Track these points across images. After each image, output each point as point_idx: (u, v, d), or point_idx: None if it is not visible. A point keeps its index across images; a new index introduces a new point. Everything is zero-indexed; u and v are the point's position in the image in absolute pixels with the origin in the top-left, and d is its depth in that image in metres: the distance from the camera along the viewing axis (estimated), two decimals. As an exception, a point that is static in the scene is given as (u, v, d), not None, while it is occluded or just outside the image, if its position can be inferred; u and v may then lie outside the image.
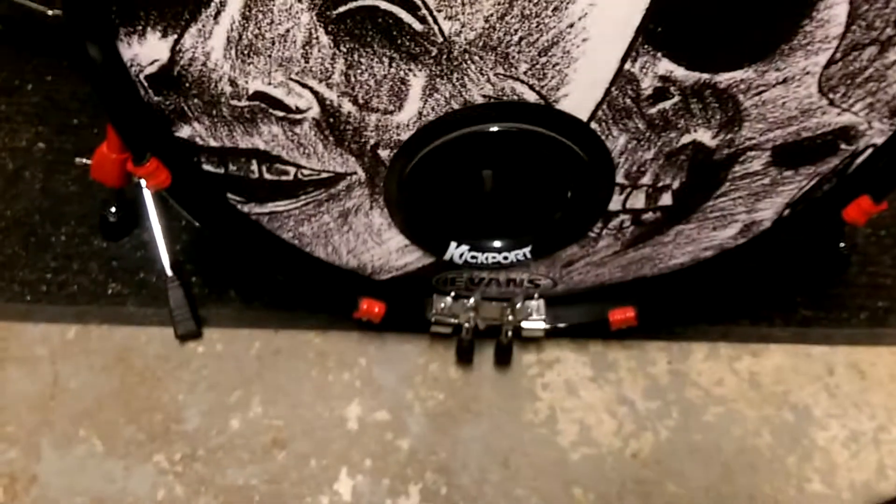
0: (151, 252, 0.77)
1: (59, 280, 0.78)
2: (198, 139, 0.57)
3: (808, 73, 0.50)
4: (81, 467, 0.69)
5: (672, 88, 0.51)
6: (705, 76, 0.50)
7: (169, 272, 0.76)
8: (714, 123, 0.53)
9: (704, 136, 0.54)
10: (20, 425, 0.71)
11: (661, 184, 0.58)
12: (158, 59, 0.51)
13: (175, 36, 0.49)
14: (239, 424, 0.72)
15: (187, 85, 0.52)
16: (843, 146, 0.56)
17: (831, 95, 0.52)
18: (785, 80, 0.50)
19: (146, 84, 0.52)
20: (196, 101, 0.53)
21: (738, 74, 0.50)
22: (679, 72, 0.50)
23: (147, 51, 0.50)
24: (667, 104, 0.52)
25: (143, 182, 0.59)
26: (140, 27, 0.49)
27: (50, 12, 0.81)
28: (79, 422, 0.71)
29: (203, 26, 0.48)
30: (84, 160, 0.70)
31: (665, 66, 0.49)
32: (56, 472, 0.69)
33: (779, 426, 0.74)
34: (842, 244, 0.80)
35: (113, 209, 0.78)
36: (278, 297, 0.77)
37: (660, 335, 0.77)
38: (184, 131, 0.56)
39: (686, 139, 0.55)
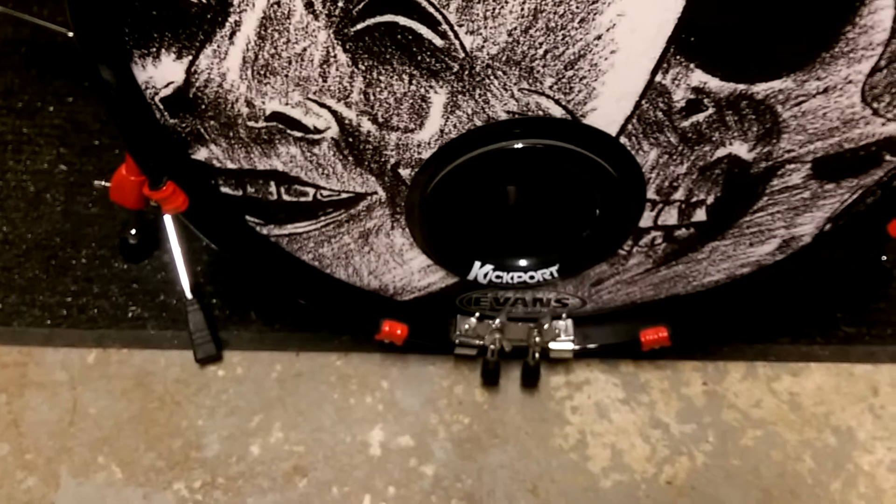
0: (172, 274, 0.76)
1: (80, 303, 0.77)
2: (215, 161, 0.56)
3: (850, 81, 0.48)
4: (100, 496, 0.68)
5: (706, 100, 0.48)
6: (741, 87, 0.48)
7: (189, 295, 0.75)
8: (751, 136, 0.51)
9: (740, 150, 0.52)
10: (39, 452, 0.70)
11: (694, 199, 0.56)
12: (173, 82, 0.50)
13: (190, 57, 0.48)
14: (259, 451, 0.71)
15: (203, 107, 0.51)
16: (888, 157, 0.53)
17: (875, 105, 0.49)
18: (826, 90, 0.48)
19: (162, 107, 0.52)
20: (212, 123, 0.52)
21: (776, 84, 0.48)
22: (713, 83, 0.47)
23: (162, 73, 0.49)
24: (700, 117, 0.50)
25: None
26: (154, 49, 0.48)
27: (70, 34, 0.81)
28: (98, 449, 0.70)
29: (218, 47, 0.47)
30: (103, 183, 0.70)
31: (698, 77, 0.47)
32: (74, 501, 0.68)
33: (821, 450, 0.71)
34: (884, 258, 0.77)
35: (133, 231, 0.78)
36: (299, 319, 0.76)
37: (694, 355, 0.75)
38: (201, 154, 0.55)
39: (721, 153, 0.52)
